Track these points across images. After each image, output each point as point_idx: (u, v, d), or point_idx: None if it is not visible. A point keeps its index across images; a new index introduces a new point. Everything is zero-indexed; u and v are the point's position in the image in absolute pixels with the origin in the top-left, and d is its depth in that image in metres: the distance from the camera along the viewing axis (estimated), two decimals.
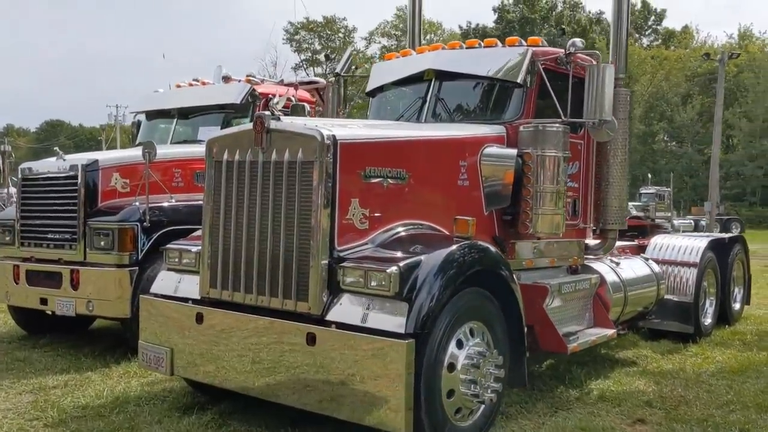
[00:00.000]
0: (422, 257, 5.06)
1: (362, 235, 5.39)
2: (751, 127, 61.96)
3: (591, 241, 7.64)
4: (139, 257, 7.95)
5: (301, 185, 5.27)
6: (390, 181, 5.60)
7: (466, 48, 7.34)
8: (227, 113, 9.78)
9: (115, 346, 8.55)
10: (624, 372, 7.91)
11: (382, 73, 7.96)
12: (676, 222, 34.96)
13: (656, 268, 8.92)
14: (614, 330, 7.41)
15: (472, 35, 71.02)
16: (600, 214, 7.49)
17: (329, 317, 5.10)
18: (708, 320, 9.90)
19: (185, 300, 5.99)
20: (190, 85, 10.33)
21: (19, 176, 8.86)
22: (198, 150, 8.84)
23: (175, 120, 9.97)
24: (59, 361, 7.95)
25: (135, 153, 8.66)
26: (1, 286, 9.06)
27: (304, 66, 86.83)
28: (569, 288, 6.91)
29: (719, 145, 35.90)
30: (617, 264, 8.14)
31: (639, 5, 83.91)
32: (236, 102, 9.45)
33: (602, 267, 7.82)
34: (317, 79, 11.03)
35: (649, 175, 50.89)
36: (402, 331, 4.75)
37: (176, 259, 6.25)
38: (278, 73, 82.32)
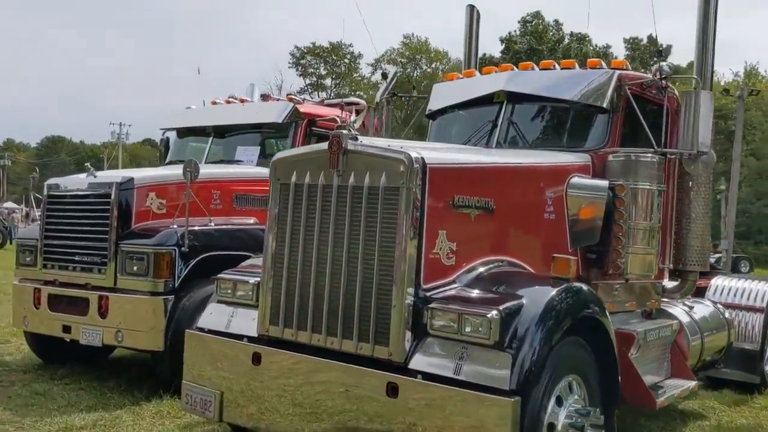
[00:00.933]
0: (523, 301, 4.45)
1: (448, 272, 4.79)
2: (758, 165, 61.67)
3: (669, 283, 7.02)
4: (176, 285, 7.31)
5: (383, 213, 4.67)
6: (477, 211, 5.00)
7: (541, 69, 6.79)
8: (267, 133, 9.22)
9: (141, 379, 7.89)
10: (698, 427, 7.26)
11: (443, 94, 7.40)
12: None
13: (726, 312, 8.30)
14: (695, 381, 6.77)
15: (478, 64, 70.98)
16: (680, 254, 6.88)
17: (413, 365, 4.47)
18: None
19: (239, 337, 5.35)
20: (227, 102, 9.77)
21: (45, 192, 8.25)
22: (239, 171, 8.30)
23: (210, 138, 9.38)
24: (84, 397, 7.28)
25: (172, 172, 8.08)
26: (19, 311, 8.41)
27: (309, 90, 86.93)
28: (654, 335, 6.29)
29: (737, 182, 35.34)
30: (690, 308, 7.51)
31: (645, 40, 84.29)
32: (278, 121, 8.89)
33: (678, 311, 7.20)
34: (358, 100, 10.48)
35: None
36: (506, 387, 4.13)
37: (229, 291, 5.63)
38: (283, 97, 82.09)
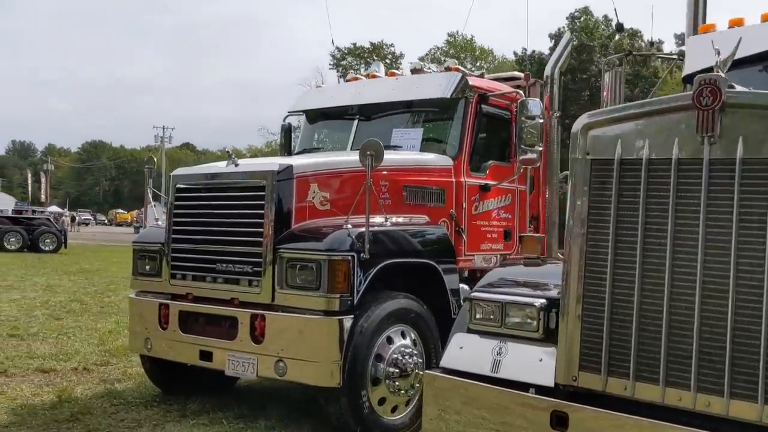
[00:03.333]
0: None
1: None
2: None
3: None
4: (355, 301, 5.67)
5: None
6: None
7: None
8: (429, 112, 7.54)
9: (298, 418, 6.27)
10: None
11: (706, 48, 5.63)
12: None
13: None
14: None
15: (528, 62, 68.91)
16: None
17: None
18: None
19: (522, 386, 3.68)
20: (371, 77, 8.12)
21: (171, 185, 6.66)
22: (405, 158, 6.62)
23: (355, 122, 7.72)
24: None
25: (337, 158, 6.49)
26: (139, 332, 6.86)
27: None
28: None
29: None
30: None
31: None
32: (445, 96, 7.19)
33: None
34: (517, 74, 8.78)
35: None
36: None
37: (493, 317, 3.97)
38: None
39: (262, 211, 5.97)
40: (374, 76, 8.09)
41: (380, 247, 5.85)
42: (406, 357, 5.98)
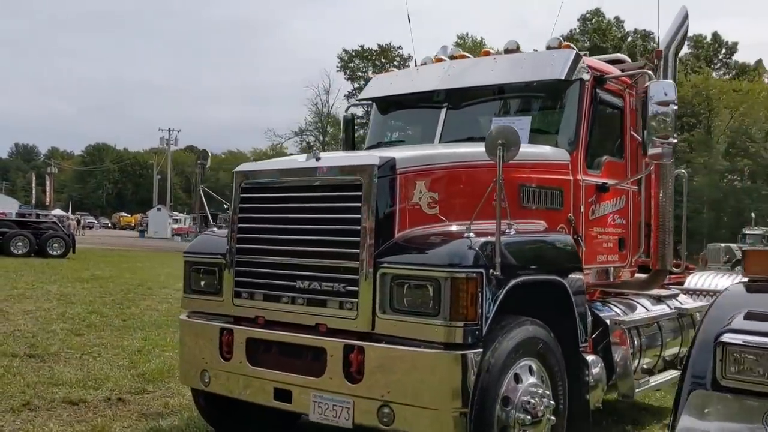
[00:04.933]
0: None
1: None
2: None
3: None
4: (483, 331, 4.45)
5: None
6: None
7: None
8: (536, 96, 6.33)
9: None
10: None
11: None
12: None
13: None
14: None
15: None
16: None
17: None
18: None
19: None
20: (458, 57, 6.89)
21: (236, 183, 5.46)
22: (522, 151, 5.38)
23: (443, 110, 6.50)
24: None
25: (451, 151, 5.31)
26: (194, 361, 5.66)
27: (357, 94, 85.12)
28: None
29: None
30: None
31: (709, 38, 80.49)
32: (559, 77, 5.98)
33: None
34: (622, 56, 7.60)
35: (753, 215, 46.73)
36: None
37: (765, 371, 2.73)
38: (330, 101, 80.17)
39: (358, 216, 4.75)
40: (464, 55, 6.86)
41: (511, 261, 4.63)
42: (537, 399, 4.77)
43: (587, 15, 77.95)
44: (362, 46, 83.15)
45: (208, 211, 6.13)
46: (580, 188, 5.95)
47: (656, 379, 6.58)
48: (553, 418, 4.90)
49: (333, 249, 4.86)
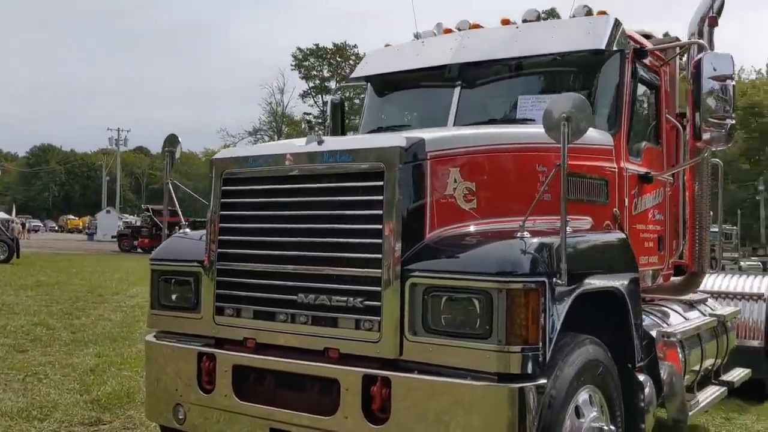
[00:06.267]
0: None
1: None
2: None
3: None
4: (547, 356, 3.49)
5: None
6: None
7: None
8: (570, 71, 5.41)
9: None
10: None
11: None
12: (743, 263, 30.56)
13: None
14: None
15: None
16: None
17: None
18: None
19: None
20: (474, 27, 5.92)
21: (216, 174, 4.39)
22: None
23: (456, 89, 5.52)
24: None
25: (492, 131, 4.35)
26: (163, 393, 4.57)
27: (312, 93, 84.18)
28: None
29: None
30: None
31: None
32: (599, 47, 5.07)
33: None
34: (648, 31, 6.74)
35: (710, 213, 46.97)
36: None
37: None
38: (285, 100, 78.83)
39: (379, 212, 3.75)
40: (477, 25, 5.90)
41: (575, 266, 3.68)
42: None
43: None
44: (317, 45, 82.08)
45: (178, 208, 5.03)
46: (624, 178, 5.07)
47: (705, 398, 5.73)
48: None
49: (346, 254, 3.85)
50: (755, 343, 7.68)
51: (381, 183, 3.74)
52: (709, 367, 6.36)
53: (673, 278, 6.19)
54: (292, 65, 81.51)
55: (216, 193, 4.39)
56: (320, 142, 4.09)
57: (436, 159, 3.85)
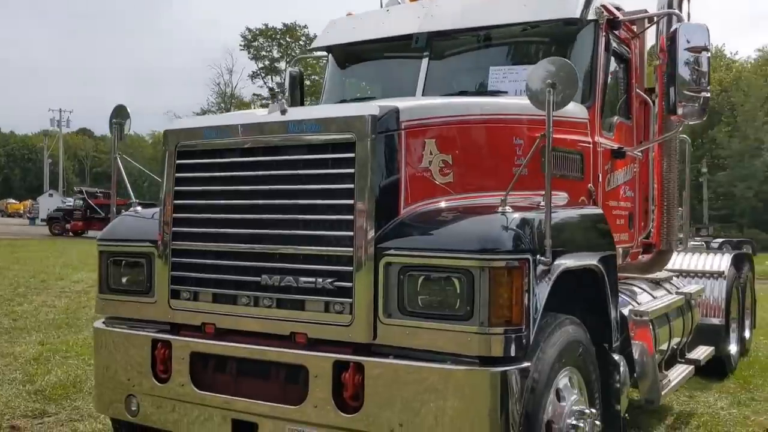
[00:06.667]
0: None
1: None
2: (740, 147, 60.30)
3: None
4: (531, 338, 3.29)
5: None
6: None
7: None
8: (542, 41, 5.20)
9: None
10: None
11: None
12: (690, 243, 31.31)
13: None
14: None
15: None
16: None
17: None
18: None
19: None
20: None
21: (170, 147, 4.06)
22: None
23: (424, 60, 5.26)
24: None
25: (470, 100, 4.09)
26: (114, 383, 4.24)
27: (262, 74, 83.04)
28: None
29: None
30: None
31: None
32: (574, 15, 4.88)
33: None
34: None
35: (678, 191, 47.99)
36: None
37: None
38: (234, 81, 77.55)
39: (350, 186, 3.47)
40: None
41: (558, 243, 3.47)
42: (583, 422, 3.67)
43: None
44: (266, 25, 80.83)
45: (128, 184, 4.67)
46: (598, 153, 4.90)
47: (675, 378, 5.65)
48: None
49: (315, 232, 3.57)
50: (715, 320, 7.68)
51: (352, 155, 3.48)
52: (675, 346, 6.29)
53: (640, 257, 6.09)
54: (241, 45, 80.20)
55: (170, 167, 4.06)
56: (284, 112, 3.80)
57: (411, 129, 3.60)
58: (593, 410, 3.80)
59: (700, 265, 7.72)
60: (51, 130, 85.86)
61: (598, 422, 3.81)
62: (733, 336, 8.18)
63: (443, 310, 3.29)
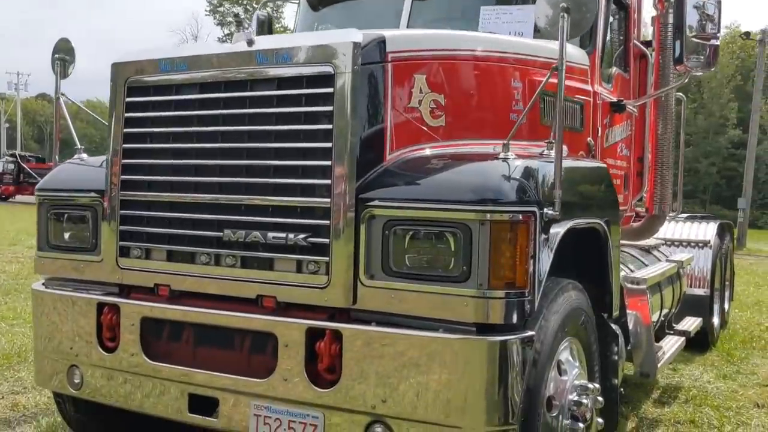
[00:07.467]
0: None
1: None
2: (705, 123, 61.02)
3: None
4: (536, 303, 2.86)
5: None
6: None
7: None
8: None
9: None
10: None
11: None
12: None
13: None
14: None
15: None
16: None
17: None
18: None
19: None
20: None
21: (117, 83, 3.51)
22: (542, 45, 3.88)
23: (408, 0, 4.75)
24: None
25: (460, 33, 3.61)
26: (55, 352, 3.73)
27: (228, 41, 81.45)
28: None
29: (756, 136, 32.73)
30: None
31: None
32: None
33: None
34: None
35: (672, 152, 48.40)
36: None
37: None
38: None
39: (328, 126, 2.99)
40: None
41: (567, 196, 3.04)
42: (587, 397, 3.28)
43: None
44: None
45: (74, 131, 4.10)
46: (597, 105, 4.48)
47: (669, 349, 5.31)
48: (601, 421, 3.45)
49: (286, 180, 3.09)
50: (700, 291, 7.39)
51: (330, 90, 2.98)
52: (663, 318, 5.97)
53: (631, 222, 5.73)
54: (206, 11, 78.25)
55: (118, 105, 3.52)
56: (251, 42, 3.27)
57: (399, 62, 3.12)
58: (596, 385, 3.40)
59: (686, 233, 7.40)
60: (9, 94, 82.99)
61: (600, 398, 3.41)
62: (716, 307, 7.92)
63: (435, 271, 2.84)
